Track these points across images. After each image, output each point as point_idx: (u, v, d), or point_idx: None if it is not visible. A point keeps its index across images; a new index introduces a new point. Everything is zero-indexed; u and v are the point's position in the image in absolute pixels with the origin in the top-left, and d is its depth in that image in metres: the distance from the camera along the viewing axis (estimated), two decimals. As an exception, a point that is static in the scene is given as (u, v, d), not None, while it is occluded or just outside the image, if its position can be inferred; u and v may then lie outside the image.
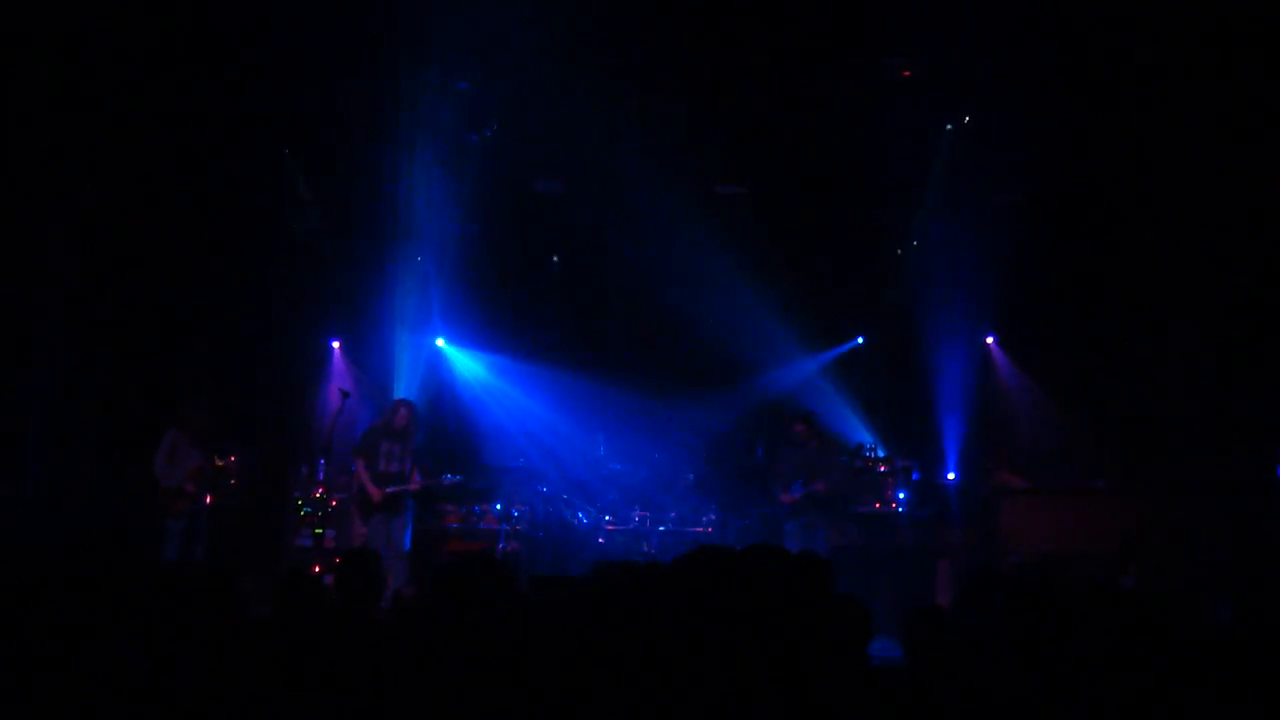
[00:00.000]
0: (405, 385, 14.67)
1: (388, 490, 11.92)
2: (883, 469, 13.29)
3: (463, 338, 15.97)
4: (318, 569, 12.99)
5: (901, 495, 13.17)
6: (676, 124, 13.44)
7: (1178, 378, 13.24)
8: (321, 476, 13.22)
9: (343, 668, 3.62)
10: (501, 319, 15.74)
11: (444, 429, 15.03)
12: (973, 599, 4.69)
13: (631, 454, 14.54)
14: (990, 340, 15.36)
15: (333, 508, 13.44)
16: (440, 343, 15.95)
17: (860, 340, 15.55)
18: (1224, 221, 12.57)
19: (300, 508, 13.56)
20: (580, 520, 13.31)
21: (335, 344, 15.52)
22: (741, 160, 14.34)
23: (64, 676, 3.25)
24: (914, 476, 13.56)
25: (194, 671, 3.58)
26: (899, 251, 15.17)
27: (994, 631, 4.16)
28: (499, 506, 13.06)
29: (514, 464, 13.58)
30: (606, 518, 13.32)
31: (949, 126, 13.94)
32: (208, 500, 11.53)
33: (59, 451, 12.80)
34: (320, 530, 13.02)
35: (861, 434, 14.45)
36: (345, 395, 12.46)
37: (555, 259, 15.78)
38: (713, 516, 13.21)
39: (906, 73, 13.20)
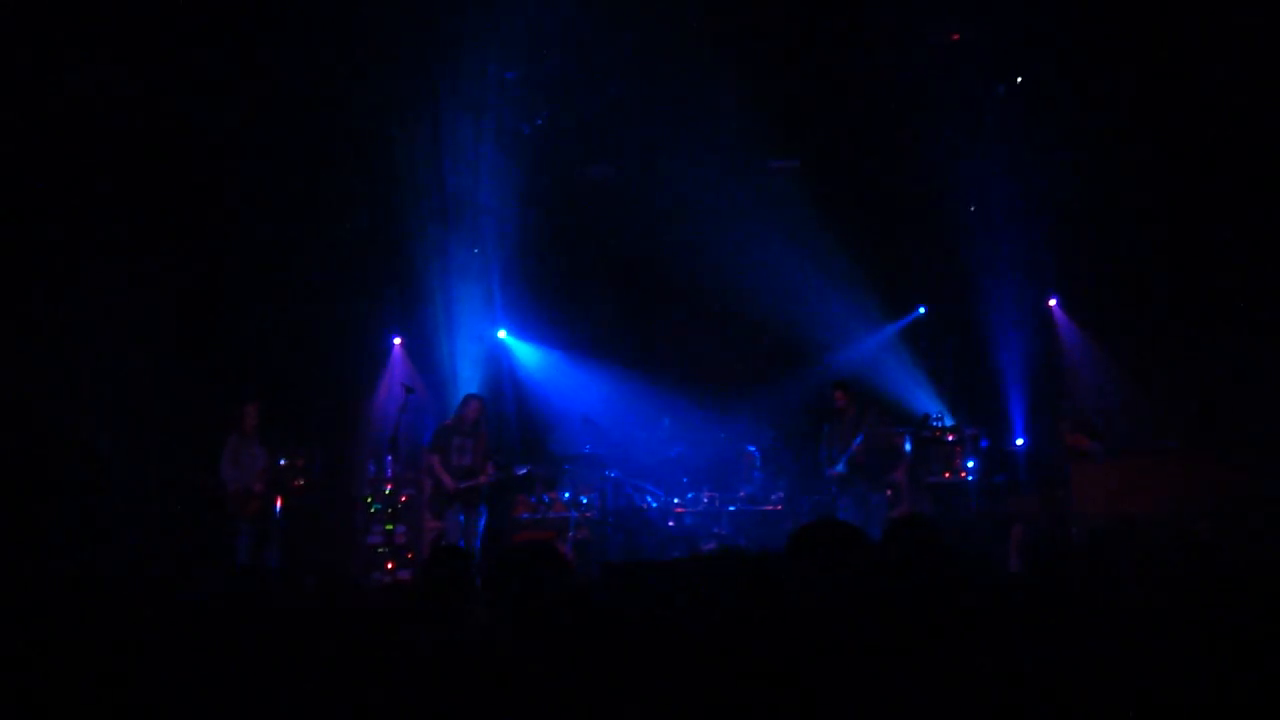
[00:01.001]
0: (468, 378, 14.72)
1: (461, 485, 11.97)
2: (950, 438, 13.18)
3: (523, 328, 15.99)
4: (390, 565, 13.09)
5: (970, 464, 13.06)
6: (727, 100, 13.38)
7: (1248, 334, 13.02)
8: (390, 473, 13.30)
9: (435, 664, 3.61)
10: (560, 307, 15.75)
11: (508, 420, 15.08)
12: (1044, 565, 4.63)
13: (697, 436, 14.49)
14: (1053, 303, 15.17)
15: (402, 504, 13.51)
16: (502, 334, 15.98)
17: (922, 310, 15.40)
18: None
19: (370, 505, 13.63)
20: (649, 504, 13.28)
21: (397, 340, 15.57)
22: (793, 134, 14.26)
23: (134, 682, 3.27)
24: (982, 444, 13.44)
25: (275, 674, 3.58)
26: (957, 218, 15.00)
27: (1068, 596, 4.09)
28: (568, 495, 13.06)
29: (580, 450, 13.55)
30: (675, 500, 13.28)
31: (1000, 89, 13.81)
32: (278, 502, 11.59)
33: (125, 460, 12.91)
34: (390, 526, 13.10)
35: (928, 404, 14.33)
36: (410, 391, 12.52)
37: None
38: (781, 494, 13.15)
39: (956, 35, 13.10)
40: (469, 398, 12.70)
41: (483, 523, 12.09)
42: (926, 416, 13.55)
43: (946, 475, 12.95)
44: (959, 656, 3.15)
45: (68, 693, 3.32)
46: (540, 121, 14.30)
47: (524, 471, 12.68)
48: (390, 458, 13.12)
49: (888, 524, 7.00)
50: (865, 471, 12.14)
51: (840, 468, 12.16)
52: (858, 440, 12.10)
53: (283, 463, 11.62)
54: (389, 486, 13.38)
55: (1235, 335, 12.98)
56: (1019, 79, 13.52)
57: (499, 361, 15.85)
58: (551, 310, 15.72)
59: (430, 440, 12.52)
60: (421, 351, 15.43)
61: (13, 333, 11.65)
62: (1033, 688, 3.10)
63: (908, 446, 12.96)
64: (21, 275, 11.76)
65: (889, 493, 12.42)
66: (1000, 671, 3.43)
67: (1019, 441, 14.46)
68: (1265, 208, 12.66)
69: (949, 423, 13.39)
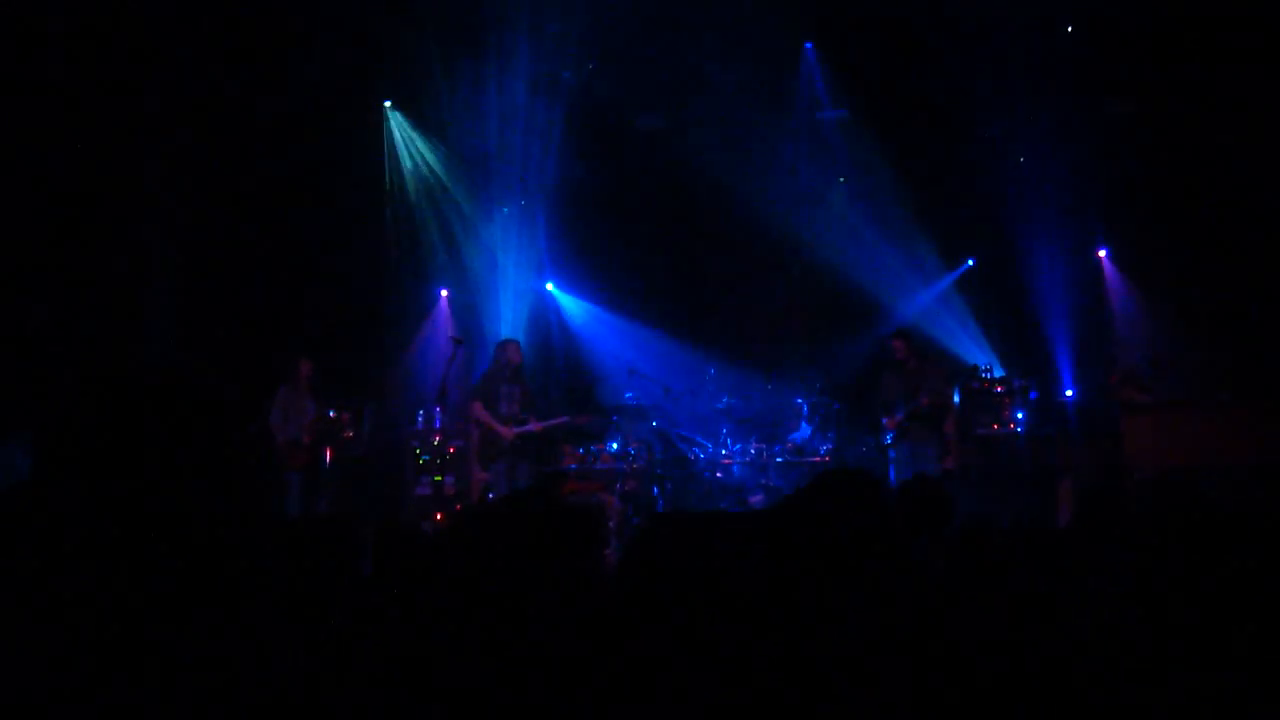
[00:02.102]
0: (515, 331, 14.73)
1: (517, 430, 11.94)
2: (1000, 389, 13.10)
3: (571, 280, 15.99)
4: (439, 516, 13.16)
5: (1020, 415, 12.98)
6: (778, 49, 13.32)
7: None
8: (439, 424, 13.34)
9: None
10: (608, 260, 15.72)
11: (556, 371, 15.11)
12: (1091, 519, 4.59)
13: (744, 387, 14.47)
14: (1103, 254, 15.02)
15: (450, 455, 13.55)
16: (549, 287, 16.00)
17: (971, 262, 15.28)
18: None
19: (419, 456, 13.69)
20: (697, 455, 13.29)
21: (443, 292, 15.60)
22: (844, 84, 14.19)
23: (185, 631, 3.28)
24: (1032, 396, 13.34)
25: (316, 624, 3.59)
26: (1006, 168, 14.87)
27: (1118, 553, 4.06)
28: (615, 446, 13.06)
29: (627, 402, 13.54)
30: (723, 451, 13.28)
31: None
32: (327, 454, 11.63)
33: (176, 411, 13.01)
34: (439, 478, 13.15)
35: (978, 355, 14.25)
36: (459, 343, 12.51)
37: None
38: (830, 445, 13.12)
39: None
40: (508, 342, 12.61)
41: (525, 471, 12.03)
42: (975, 368, 13.47)
43: (995, 427, 12.88)
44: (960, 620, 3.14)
45: (120, 635, 3.33)
46: (592, 67, 14.29)
47: (573, 421, 12.73)
48: (439, 409, 13.15)
49: (902, 483, 6.99)
50: (924, 424, 12.04)
51: (900, 417, 12.06)
52: (922, 397, 11.99)
53: (331, 414, 11.63)
54: (437, 438, 13.42)
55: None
56: (1069, 29, 13.35)
57: (546, 314, 15.86)
58: (599, 263, 15.70)
59: (474, 388, 12.46)
60: (468, 304, 15.45)
61: (69, 281, 11.76)
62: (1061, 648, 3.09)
63: (955, 398, 12.91)
64: (76, 228, 11.86)
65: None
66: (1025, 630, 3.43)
67: (1068, 393, 14.37)
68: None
69: (999, 374, 13.30)
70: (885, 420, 12.15)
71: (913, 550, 3.47)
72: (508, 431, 11.88)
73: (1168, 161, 13.65)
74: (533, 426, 12.11)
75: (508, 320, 15.18)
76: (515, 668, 2.84)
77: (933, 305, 15.00)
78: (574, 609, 3.01)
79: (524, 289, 15.59)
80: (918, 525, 5.34)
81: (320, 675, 3.16)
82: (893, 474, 11.83)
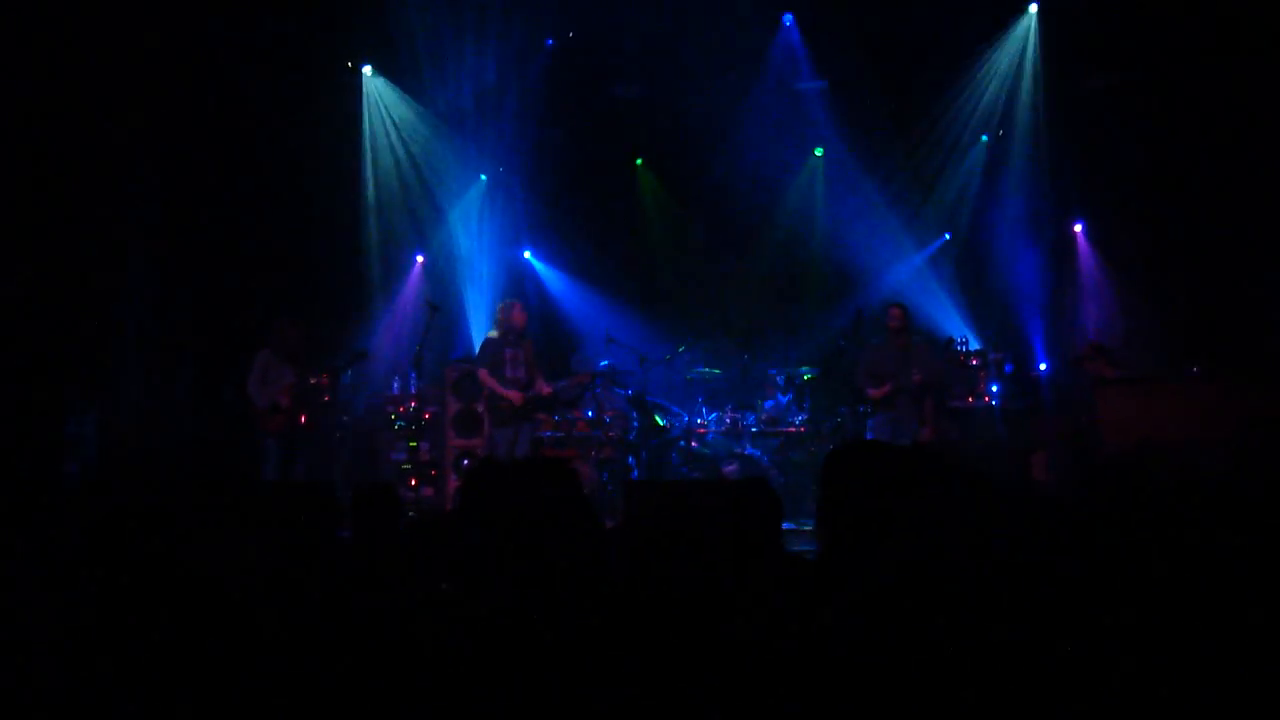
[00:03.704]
0: (492, 297, 14.71)
1: (529, 394, 11.83)
2: (975, 362, 13.14)
3: (547, 248, 15.99)
4: (414, 482, 13.16)
5: (995, 388, 13.03)
6: (758, 18, 13.31)
7: (1276, 261, 12.92)
8: (414, 390, 13.32)
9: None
10: (584, 227, 15.73)
11: (533, 339, 15.13)
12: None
13: (719, 356, 14.51)
14: (1079, 228, 15.08)
15: (426, 421, 13.55)
16: (526, 255, 15.99)
17: (948, 236, 15.32)
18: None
19: (394, 422, 13.69)
20: (672, 423, 13.32)
21: (419, 258, 15.56)
22: (822, 55, 14.19)
23: (169, 595, 3.29)
24: (1007, 369, 13.39)
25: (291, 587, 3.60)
26: (985, 140, 14.92)
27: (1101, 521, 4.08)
28: (591, 413, 13.07)
29: (600, 367, 13.54)
30: (698, 420, 13.30)
31: (1033, 7, 13.75)
32: (303, 419, 11.57)
33: (153, 374, 12.99)
34: (414, 444, 13.14)
35: (954, 328, 14.29)
36: (435, 309, 12.44)
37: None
38: (804, 415, 13.15)
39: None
40: (512, 304, 12.22)
41: (526, 437, 11.92)
42: (951, 340, 13.50)
43: (970, 400, 12.93)
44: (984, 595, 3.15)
45: (103, 608, 3.34)
46: (570, 35, 14.28)
47: (573, 385, 12.80)
48: (415, 374, 13.13)
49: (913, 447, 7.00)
50: (909, 397, 11.99)
51: (889, 388, 11.95)
52: (915, 373, 11.92)
53: (311, 380, 11.55)
54: (413, 404, 13.41)
55: (1261, 263, 12.92)
56: None
57: (523, 281, 15.84)
58: (575, 230, 15.71)
59: (479, 354, 12.30)
60: (444, 270, 15.41)
61: (50, 248, 11.70)
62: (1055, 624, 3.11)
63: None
64: (58, 194, 11.79)
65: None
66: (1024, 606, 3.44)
67: (1042, 367, 14.44)
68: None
69: (974, 347, 13.35)
70: (871, 390, 12.02)
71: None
72: (516, 396, 11.72)
73: (1144, 136, 13.69)
74: (543, 389, 12.01)
75: (484, 287, 15.15)
76: (508, 636, 2.85)
77: (909, 278, 15.04)
78: (573, 579, 3.03)
79: (501, 256, 15.56)
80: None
81: (304, 640, 3.17)
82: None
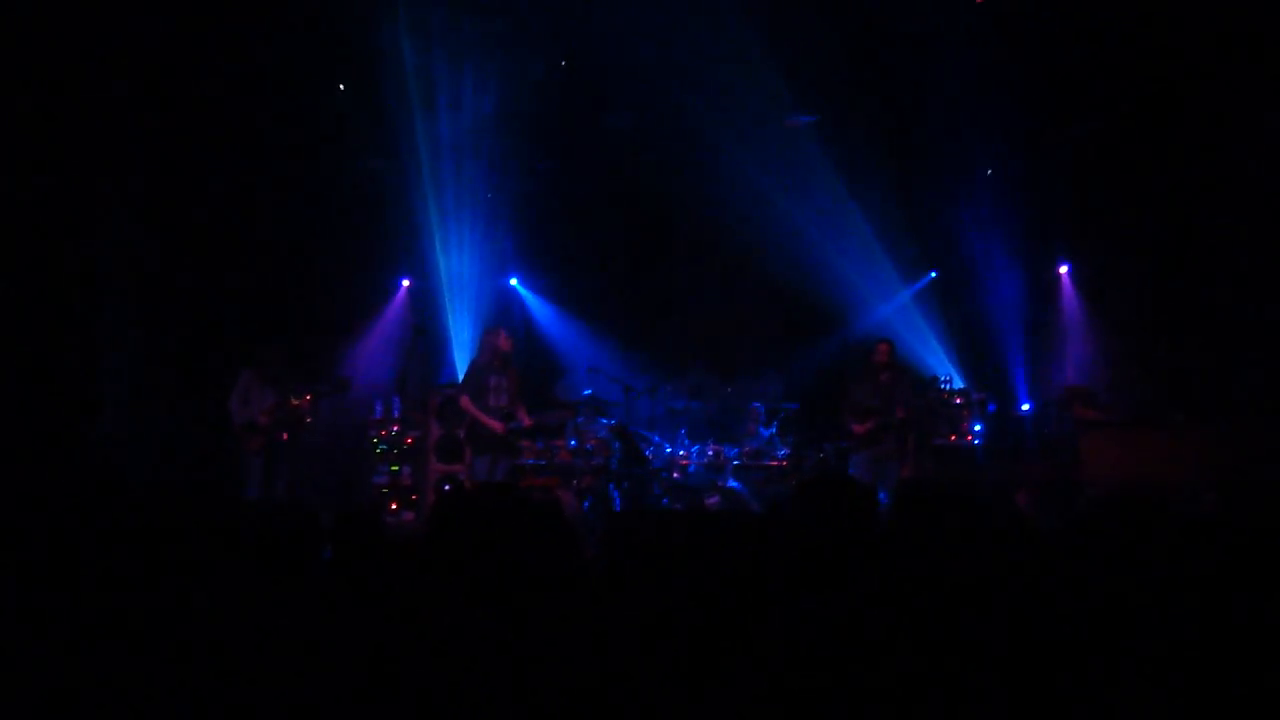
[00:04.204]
0: (478, 323, 14.70)
1: (510, 426, 11.81)
2: (958, 401, 13.17)
3: (534, 275, 16.01)
4: (394, 506, 13.13)
5: (977, 428, 13.06)
6: (748, 53, 13.36)
7: (1256, 309, 12.97)
8: (397, 414, 13.29)
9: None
10: (572, 255, 15.75)
11: (518, 367, 15.11)
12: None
13: (704, 389, 14.53)
14: (1064, 270, 15.14)
15: (408, 445, 13.53)
16: (513, 282, 16.00)
17: (935, 274, 15.37)
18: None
19: (376, 445, 13.65)
20: (654, 454, 13.30)
21: (405, 282, 15.55)
22: (812, 91, 14.23)
23: (150, 612, 3.28)
24: (990, 409, 13.43)
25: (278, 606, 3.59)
26: (972, 181, 14.98)
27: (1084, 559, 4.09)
28: (574, 442, 13.06)
29: (582, 396, 13.55)
30: (680, 452, 13.30)
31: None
32: (284, 438, 11.53)
33: (136, 393, 12.94)
34: (396, 468, 13.12)
35: (938, 366, 14.33)
36: (420, 333, 12.45)
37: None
38: (787, 450, 13.16)
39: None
40: (496, 330, 12.26)
41: (503, 469, 11.92)
42: (935, 379, 13.54)
43: (953, 438, 12.96)
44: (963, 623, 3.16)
45: (76, 620, 3.33)
46: (561, 65, 14.31)
47: (559, 416, 12.74)
48: (398, 399, 13.09)
49: (899, 484, 7.00)
50: (892, 433, 12.00)
51: (872, 425, 11.97)
52: (899, 409, 11.94)
53: (294, 401, 11.52)
54: (395, 427, 13.38)
55: (1243, 310, 12.97)
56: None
57: (509, 308, 15.84)
58: (562, 259, 15.73)
59: (463, 380, 12.30)
60: (431, 295, 15.39)
61: (34, 264, 11.66)
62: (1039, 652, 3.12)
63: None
64: (41, 214, 11.76)
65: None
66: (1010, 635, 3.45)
67: (1025, 407, 14.48)
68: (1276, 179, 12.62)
69: (958, 386, 13.39)
70: (854, 426, 12.05)
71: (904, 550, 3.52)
72: (499, 425, 11.71)
73: (1130, 181, 13.77)
74: (523, 421, 12.00)
75: (469, 313, 15.14)
76: (483, 657, 2.86)
77: (895, 314, 15.08)
78: (551, 602, 3.03)
79: (487, 283, 15.56)
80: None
81: (284, 659, 3.16)
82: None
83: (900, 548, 3.62)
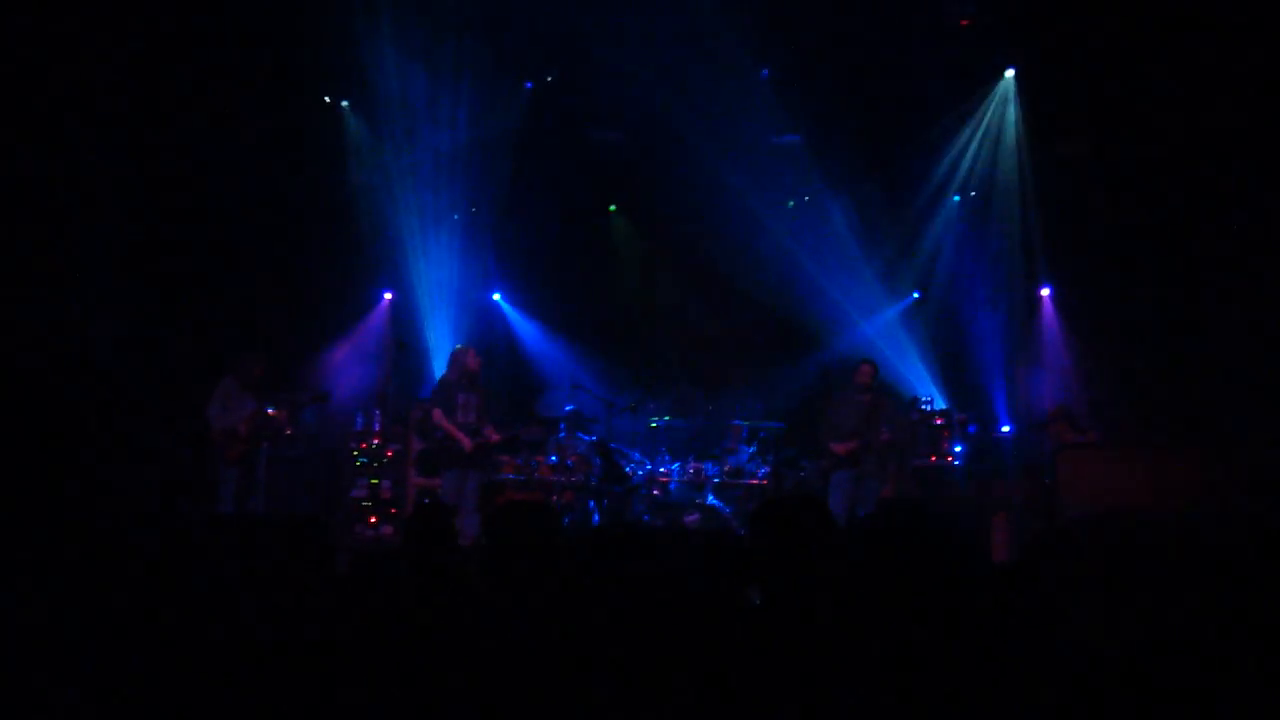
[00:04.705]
0: (460, 338, 14.68)
1: (477, 440, 11.82)
2: (939, 421, 13.19)
3: (517, 290, 16.01)
4: (374, 519, 13.09)
5: (959, 448, 13.07)
6: (733, 73, 13.40)
7: (1234, 333, 13.01)
8: (378, 427, 13.25)
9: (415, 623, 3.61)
10: (555, 271, 15.76)
11: (500, 382, 15.07)
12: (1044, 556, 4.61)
13: (686, 406, 14.54)
14: (1045, 293, 15.17)
15: (388, 459, 13.49)
16: (496, 297, 15.99)
17: (918, 295, 15.40)
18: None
19: (356, 458, 13.60)
20: (635, 472, 13.29)
21: (387, 295, 15.52)
22: (798, 112, 14.28)
23: (132, 622, 3.26)
24: (970, 430, 13.45)
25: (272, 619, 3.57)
26: (956, 199, 15.03)
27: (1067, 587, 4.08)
28: (554, 458, 13.05)
29: (564, 411, 13.56)
30: (661, 469, 13.29)
31: (1009, 73, 13.95)
32: (263, 448, 11.48)
33: (114, 400, 12.87)
34: (376, 481, 13.08)
35: (920, 387, 14.35)
36: (402, 346, 12.43)
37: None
38: (767, 469, 13.14)
39: (965, 21, 13.11)
40: (466, 349, 12.32)
41: (474, 484, 11.92)
42: (916, 399, 13.55)
43: (933, 459, 12.98)
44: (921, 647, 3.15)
45: (52, 631, 3.31)
46: (550, 79, 14.36)
47: (530, 431, 12.69)
48: (379, 412, 13.06)
49: (879, 504, 7.00)
50: (874, 454, 11.98)
51: (855, 445, 11.94)
52: (884, 430, 11.92)
53: (271, 411, 11.48)
54: (376, 440, 13.35)
55: (1221, 333, 13.00)
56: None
57: (492, 323, 15.83)
58: (546, 275, 15.74)
59: (431, 395, 12.32)
60: (413, 309, 15.37)
61: (10, 278, 11.60)
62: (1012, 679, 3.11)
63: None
64: (17, 223, 11.70)
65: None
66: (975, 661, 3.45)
67: (1005, 429, 14.50)
68: (1254, 207, 12.67)
69: (939, 406, 13.40)
70: (835, 445, 11.98)
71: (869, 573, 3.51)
72: (468, 441, 11.74)
73: (1114, 205, 13.82)
74: (491, 436, 12.01)
75: (451, 327, 15.12)
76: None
77: (878, 334, 15.08)
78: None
79: (470, 297, 15.55)
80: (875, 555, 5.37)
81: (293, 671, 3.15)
82: (833, 499, 11.63)
83: (859, 569, 3.63)
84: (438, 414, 11.82)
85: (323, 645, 3.33)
